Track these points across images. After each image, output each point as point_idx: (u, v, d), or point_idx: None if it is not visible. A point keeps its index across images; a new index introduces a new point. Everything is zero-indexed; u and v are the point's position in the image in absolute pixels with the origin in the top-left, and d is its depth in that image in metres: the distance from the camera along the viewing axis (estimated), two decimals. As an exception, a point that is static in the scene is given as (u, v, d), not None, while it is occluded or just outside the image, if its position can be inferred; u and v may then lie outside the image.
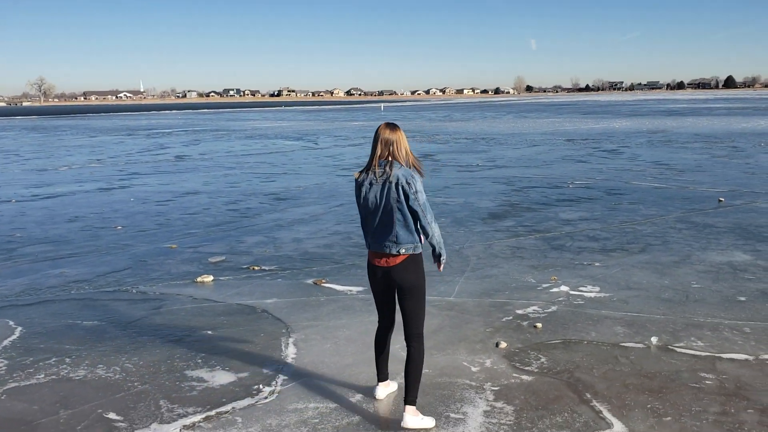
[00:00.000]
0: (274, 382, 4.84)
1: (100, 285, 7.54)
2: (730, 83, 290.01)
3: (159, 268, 8.22)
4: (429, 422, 4.20)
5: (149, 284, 7.54)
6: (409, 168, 4.18)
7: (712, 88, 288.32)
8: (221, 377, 4.96)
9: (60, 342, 5.74)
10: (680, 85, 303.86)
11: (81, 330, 6.05)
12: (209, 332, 5.93)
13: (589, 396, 4.50)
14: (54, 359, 5.36)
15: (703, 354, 5.19)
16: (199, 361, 5.28)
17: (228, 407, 4.47)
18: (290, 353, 5.40)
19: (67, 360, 5.34)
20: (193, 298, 6.96)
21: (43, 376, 5.05)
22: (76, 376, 5.02)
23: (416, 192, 4.07)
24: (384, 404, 4.47)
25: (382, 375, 4.57)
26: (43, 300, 7.01)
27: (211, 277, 7.69)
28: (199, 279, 7.64)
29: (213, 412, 4.40)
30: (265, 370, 5.07)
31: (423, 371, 4.73)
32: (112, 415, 4.38)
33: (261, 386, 4.79)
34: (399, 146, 4.16)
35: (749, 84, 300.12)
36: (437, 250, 4.18)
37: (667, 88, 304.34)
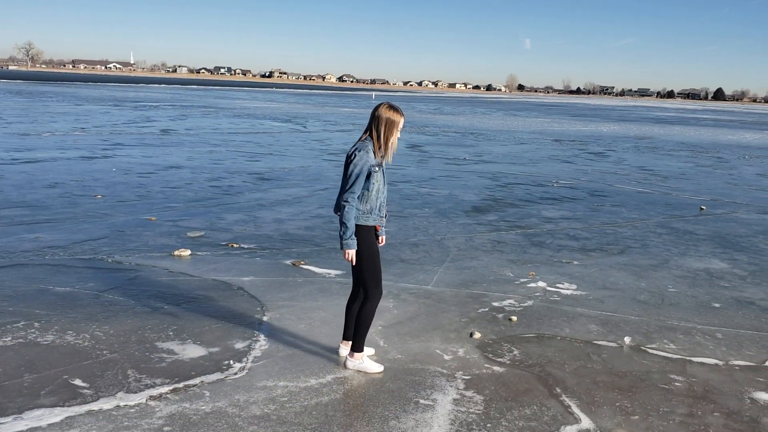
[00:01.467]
0: (244, 359, 4.80)
1: (75, 252, 7.44)
2: (719, 95, 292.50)
3: (136, 239, 8.13)
4: (372, 367, 4.62)
5: (125, 254, 7.45)
6: (380, 148, 4.35)
7: (701, 99, 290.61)
8: (192, 351, 4.91)
9: (30, 306, 5.65)
10: (670, 94, 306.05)
11: (52, 295, 5.96)
12: (183, 306, 5.87)
13: (558, 390, 4.51)
14: (22, 323, 5.27)
15: (675, 357, 5.22)
16: (171, 333, 5.22)
17: (197, 380, 4.42)
18: (263, 331, 5.35)
19: (36, 324, 5.26)
20: (169, 271, 6.89)
21: (9, 338, 4.96)
22: (44, 341, 4.95)
23: (350, 162, 4.29)
24: (354, 386, 4.45)
25: (346, 334, 4.88)
26: (16, 263, 6.90)
27: (188, 252, 7.61)
28: (176, 252, 7.56)
29: (181, 385, 4.35)
30: (236, 346, 5.02)
31: (395, 357, 4.86)
32: (77, 382, 4.31)
33: (231, 362, 4.74)
34: (379, 124, 4.34)
35: (738, 97, 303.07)
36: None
37: (657, 96, 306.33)
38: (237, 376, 4.52)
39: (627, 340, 5.51)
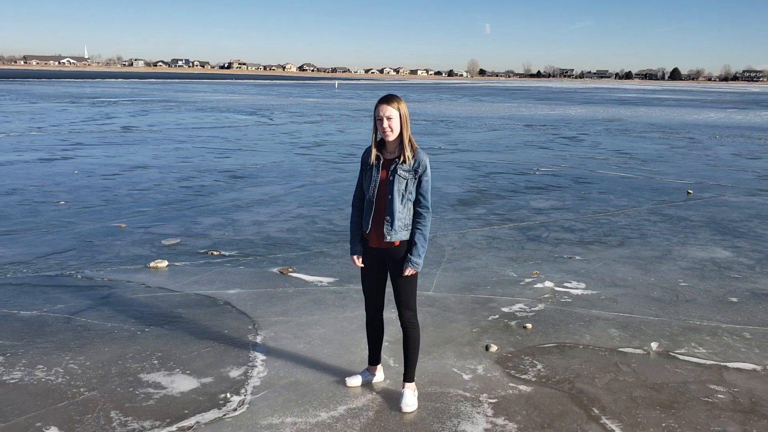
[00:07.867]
0: (243, 390, 4.26)
1: (40, 268, 6.78)
2: (675, 75, 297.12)
3: (107, 250, 7.48)
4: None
5: (96, 268, 6.82)
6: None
7: (658, 79, 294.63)
8: (182, 383, 4.36)
9: (-8, 336, 5.02)
10: (628, 75, 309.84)
11: (18, 321, 5.34)
12: (166, 327, 5.30)
13: (596, 412, 4.08)
14: (-15, 358, 4.65)
15: (708, 362, 4.84)
16: (156, 362, 4.66)
17: (191, 421, 3.88)
18: (259, 355, 4.82)
19: (0, 358, 4.64)
20: (146, 286, 6.29)
21: (-29, 379, 4.35)
22: (11, 379, 4.34)
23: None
24: (371, 419, 3.95)
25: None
26: (-26, 285, 6.22)
27: (165, 262, 7.01)
28: (152, 264, 6.96)
29: (174, 427, 3.80)
30: (232, 375, 4.48)
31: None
32: (53, 431, 3.74)
33: (228, 395, 4.21)
34: None
35: (693, 77, 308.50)
36: None
37: (615, 78, 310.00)
38: (237, 413, 3.99)
39: (654, 345, 5.11)
